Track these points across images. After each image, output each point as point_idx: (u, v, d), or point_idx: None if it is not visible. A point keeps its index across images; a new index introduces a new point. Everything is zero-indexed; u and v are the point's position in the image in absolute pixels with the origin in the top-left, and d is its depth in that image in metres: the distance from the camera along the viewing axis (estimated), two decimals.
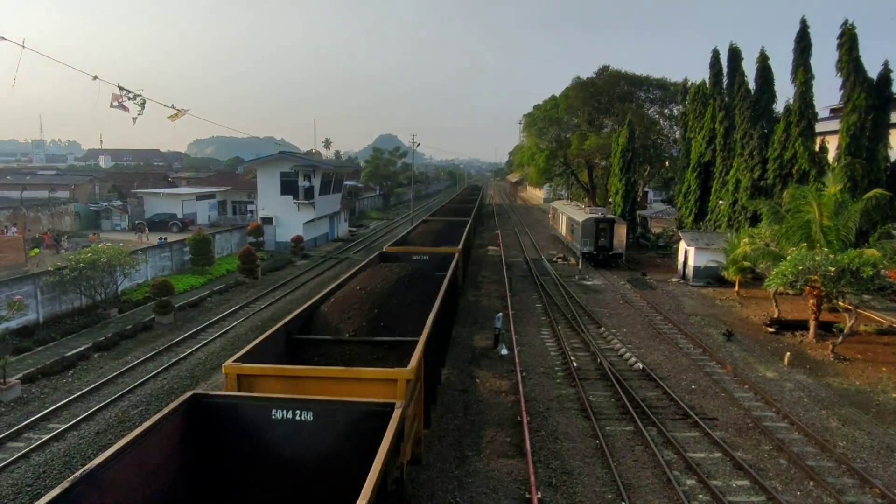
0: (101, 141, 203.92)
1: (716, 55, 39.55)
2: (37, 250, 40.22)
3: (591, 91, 60.08)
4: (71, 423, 15.12)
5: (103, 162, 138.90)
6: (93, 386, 17.52)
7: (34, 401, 16.64)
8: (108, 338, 21.69)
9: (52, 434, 14.49)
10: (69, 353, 19.97)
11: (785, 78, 34.25)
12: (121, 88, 15.04)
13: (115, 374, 18.57)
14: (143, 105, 15.71)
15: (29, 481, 12.60)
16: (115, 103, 15.42)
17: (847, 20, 28.72)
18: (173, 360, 20.03)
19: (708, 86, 41.10)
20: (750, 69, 36.34)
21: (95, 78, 14.01)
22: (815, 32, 31.82)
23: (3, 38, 11.31)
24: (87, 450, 13.95)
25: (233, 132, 49.60)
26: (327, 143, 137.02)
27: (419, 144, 64.67)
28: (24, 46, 11.80)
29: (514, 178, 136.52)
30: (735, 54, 38.12)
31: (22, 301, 20.61)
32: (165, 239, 37.04)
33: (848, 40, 28.48)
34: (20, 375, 17.72)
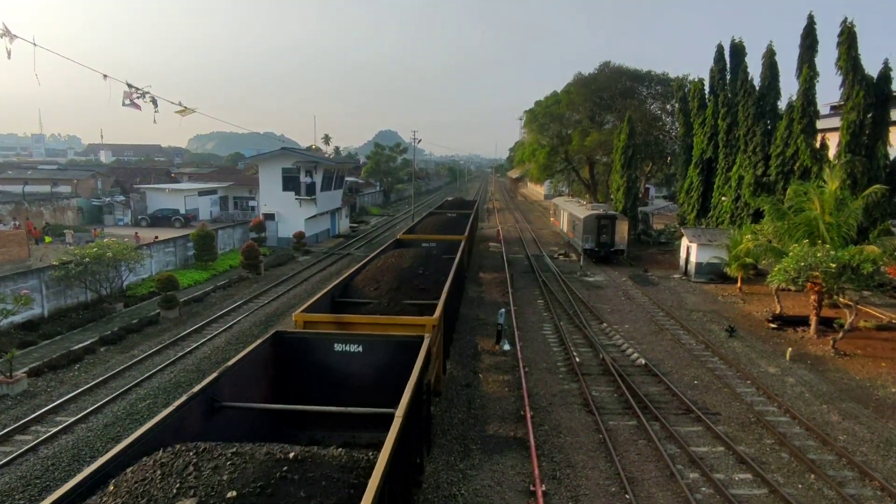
0: (102, 136, 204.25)
1: (720, 51, 39.58)
2: (49, 238, 40.64)
3: (592, 87, 59.93)
4: (79, 415, 15.24)
5: (104, 157, 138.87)
6: (100, 379, 17.66)
7: (41, 394, 16.78)
8: (114, 332, 21.83)
9: (60, 427, 14.60)
10: (76, 347, 20.12)
11: (785, 74, 34.33)
12: (129, 86, 15.13)
13: (121, 367, 18.71)
14: (156, 104, 15.85)
15: (38, 473, 12.72)
16: (127, 101, 15.53)
17: (846, 18, 28.78)
18: (179, 354, 20.17)
19: (707, 83, 41.21)
20: (753, 64, 36.47)
21: (106, 77, 14.11)
22: (819, 28, 31.85)
23: (16, 37, 11.38)
24: (95, 442, 14.06)
25: (233, 128, 49.90)
26: (327, 139, 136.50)
27: (420, 140, 64.66)
28: (35, 44, 11.90)
29: (514, 174, 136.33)
30: (738, 49, 38.17)
31: (29, 296, 20.72)
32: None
33: (847, 39, 28.52)
34: (26, 369, 17.83)
